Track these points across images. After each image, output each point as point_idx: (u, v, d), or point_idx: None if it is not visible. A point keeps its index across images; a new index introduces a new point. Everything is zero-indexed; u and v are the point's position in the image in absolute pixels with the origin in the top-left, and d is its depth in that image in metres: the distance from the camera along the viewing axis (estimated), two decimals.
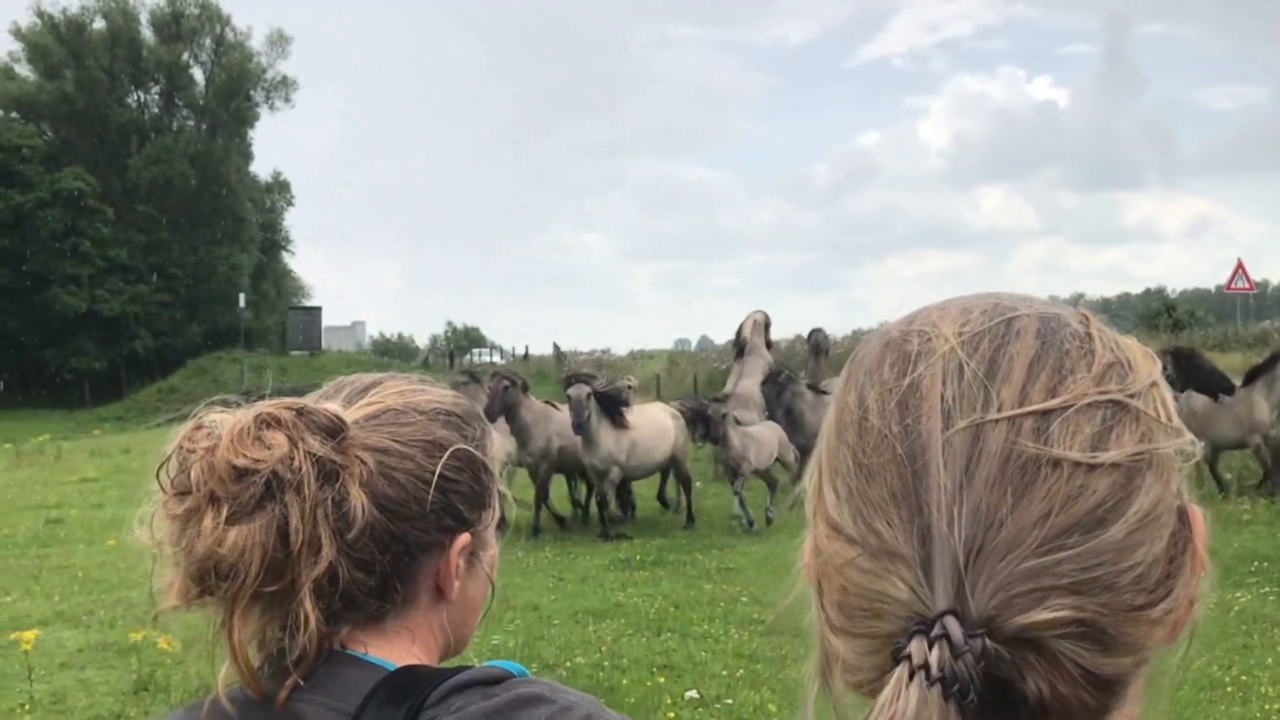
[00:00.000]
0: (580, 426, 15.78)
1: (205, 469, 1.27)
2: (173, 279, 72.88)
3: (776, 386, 19.00)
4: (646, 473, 17.47)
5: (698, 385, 30.99)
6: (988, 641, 0.77)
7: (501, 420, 16.45)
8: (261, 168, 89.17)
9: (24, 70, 75.24)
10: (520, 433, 16.76)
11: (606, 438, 16.14)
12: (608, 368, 46.80)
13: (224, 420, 1.30)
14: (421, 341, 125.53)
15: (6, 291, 67.19)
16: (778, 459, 17.02)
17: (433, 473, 1.38)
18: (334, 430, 1.32)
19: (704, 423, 16.49)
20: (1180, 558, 0.84)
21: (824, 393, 18.72)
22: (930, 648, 0.77)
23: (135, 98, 77.99)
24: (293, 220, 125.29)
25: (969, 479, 0.80)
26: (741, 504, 16.35)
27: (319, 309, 72.01)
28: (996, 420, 0.81)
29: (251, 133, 79.64)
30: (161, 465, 1.30)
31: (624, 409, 16.62)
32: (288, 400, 1.34)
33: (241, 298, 67.69)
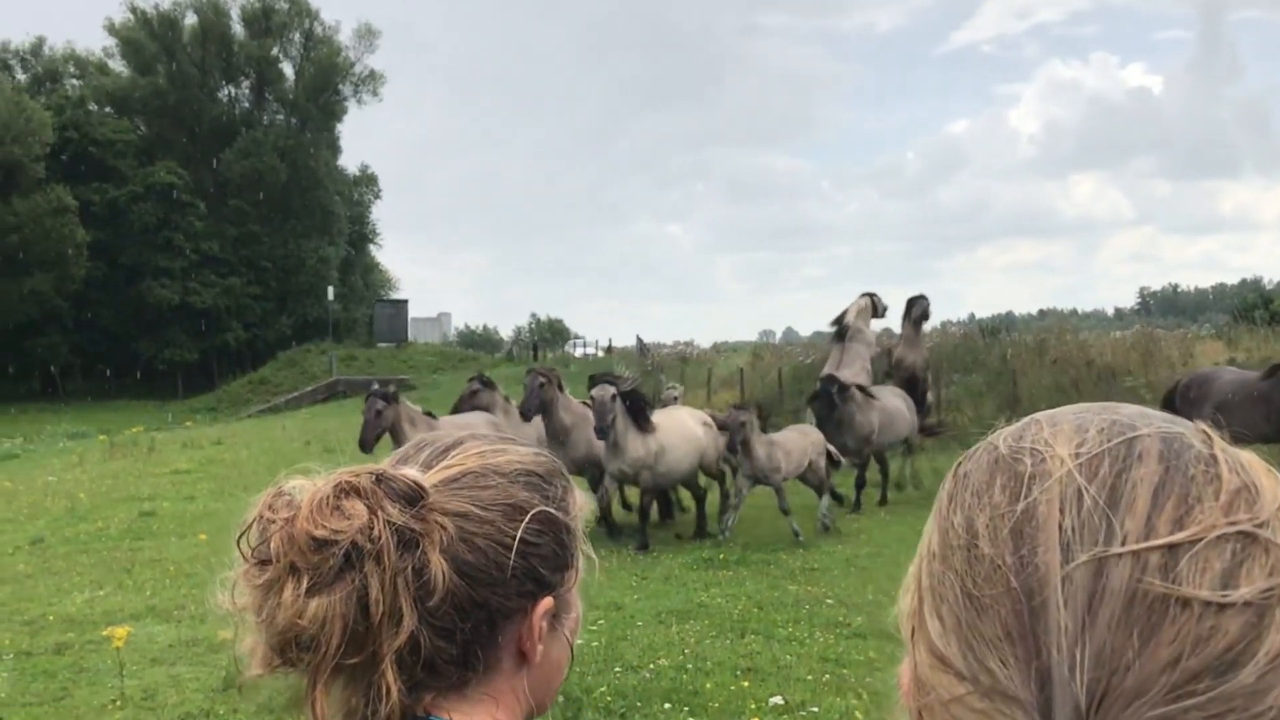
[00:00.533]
0: (603, 430, 14.96)
1: (285, 540, 1.26)
2: (263, 272, 74.03)
3: (826, 399, 17.79)
4: (673, 482, 16.48)
5: (782, 379, 30.81)
6: None
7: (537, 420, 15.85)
8: (349, 161, 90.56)
9: (118, 65, 76.83)
10: (556, 434, 15.95)
11: (634, 443, 15.28)
12: (691, 361, 46.78)
13: (304, 488, 1.30)
14: (506, 333, 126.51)
15: (101, 284, 68.63)
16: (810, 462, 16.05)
17: (514, 537, 1.36)
18: (413, 497, 1.31)
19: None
20: None
21: (873, 396, 18.15)
22: None
23: (226, 92, 79.30)
24: (380, 213, 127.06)
25: (1092, 618, 0.76)
26: (785, 512, 15.32)
27: (405, 301, 72.73)
28: (1120, 554, 0.77)
29: (339, 126, 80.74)
30: (243, 534, 1.30)
31: (648, 411, 15.72)
32: (368, 467, 1.33)
33: (330, 290, 68.58)
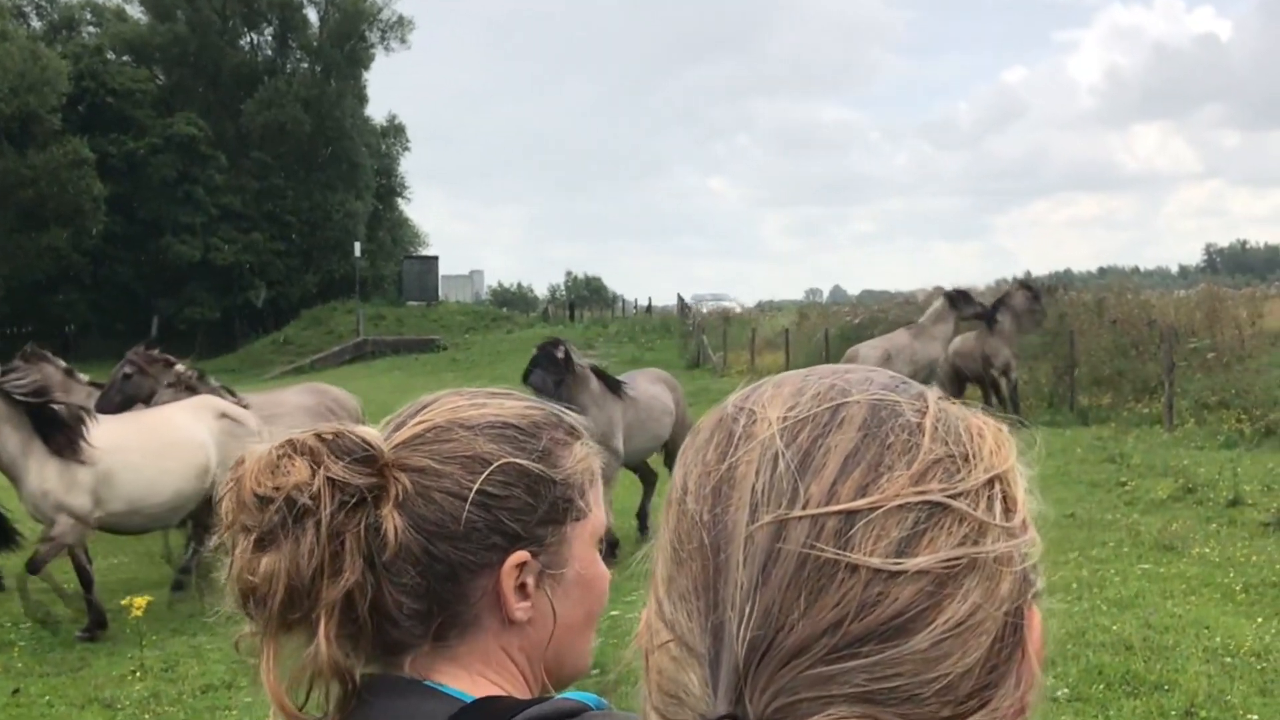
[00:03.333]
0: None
1: (234, 499, 1.35)
2: (286, 227, 74.25)
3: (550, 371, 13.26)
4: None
5: (829, 342, 30.72)
6: None
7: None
8: (376, 111, 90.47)
9: (135, 12, 76.96)
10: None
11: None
12: (734, 322, 46.73)
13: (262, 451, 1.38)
14: (541, 292, 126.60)
15: (119, 239, 68.98)
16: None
17: (470, 488, 1.40)
18: (365, 455, 1.37)
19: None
20: (1004, 666, 0.82)
21: (617, 384, 14.04)
22: None
23: (248, 40, 79.33)
24: (409, 166, 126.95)
25: (765, 578, 0.80)
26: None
27: (435, 258, 72.77)
28: (800, 518, 0.81)
29: (366, 75, 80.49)
30: (221, 498, 1.38)
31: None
32: (323, 427, 1.39)
33: (357, 246, 68.55)
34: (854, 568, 0.79)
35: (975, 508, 0.83)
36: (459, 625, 1.42)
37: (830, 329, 33.28)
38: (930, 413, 0.88)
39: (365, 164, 78.03)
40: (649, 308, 68.90)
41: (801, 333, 37.48)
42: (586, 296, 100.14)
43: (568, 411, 1.55)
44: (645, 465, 14.52)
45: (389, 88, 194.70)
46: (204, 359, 61.27)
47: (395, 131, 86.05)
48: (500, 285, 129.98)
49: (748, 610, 0.80)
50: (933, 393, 0.92)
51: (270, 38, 79.60)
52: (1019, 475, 0.88)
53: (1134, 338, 25.26)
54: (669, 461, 13.69)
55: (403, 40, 79.79)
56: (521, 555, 1.42)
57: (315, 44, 78.25)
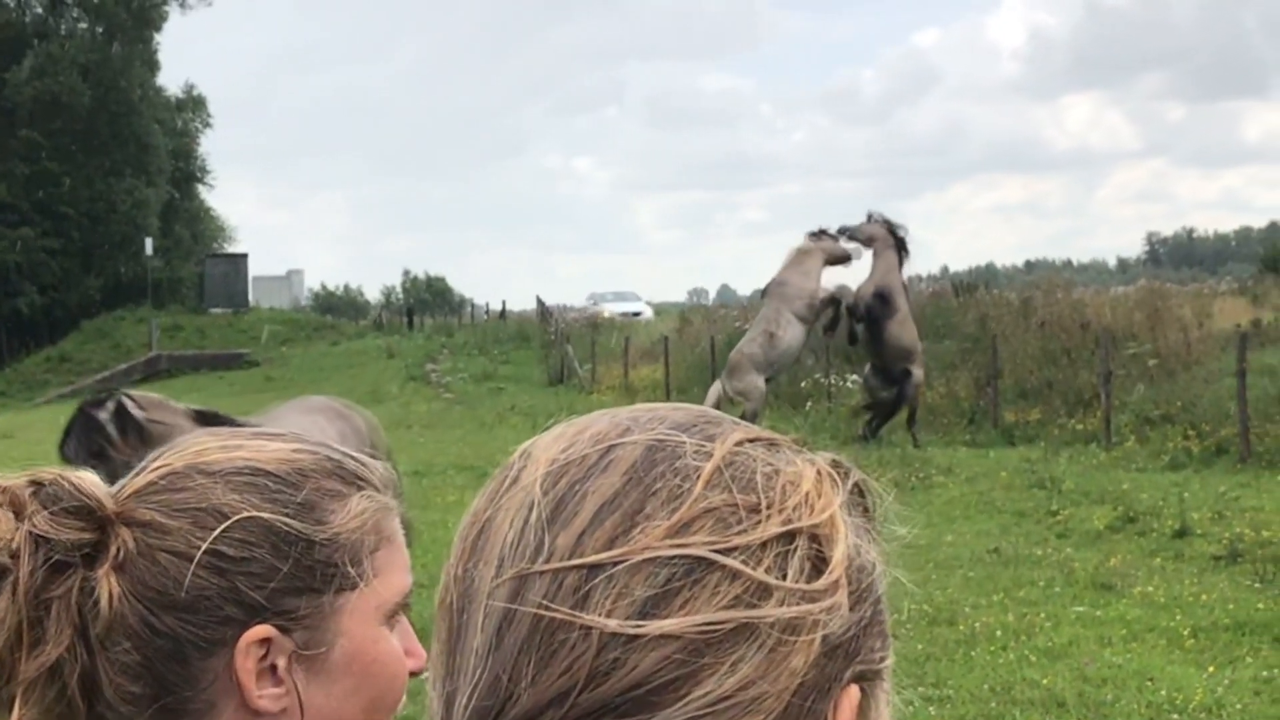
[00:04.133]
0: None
1: None
2: (63, 220, 72.77)
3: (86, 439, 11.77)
4: None
5: (714, 351, 30.84)
6: None
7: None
8: (171, 81, 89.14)
9: None
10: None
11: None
12: (604, 328, 46.79)
13: None
14: (373, 295, 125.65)
15: None
16: None
17: (198, 548, 1.35)
18: (76, 505, 1.33)
19: None
20: None
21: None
22: None
23: None
24: (211, 146, 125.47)
25: (499, 641, 0.81)
26: None
27: (244, 256, 72.17)
28: (542, 573, 0.81)
29: (158, 37, 79.39)
30: None
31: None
32: (40, 472, 1.35)
33: (149, 243, 67.44)
34: (587, 630, 0.79)
35: (755, 565, 0.81)
36: (189, 715, 1.36)
37: (716, 335, 33.39)
38: (718, 455, 0.85)
39: (158, 144, 76.90)
40: (503, 313, 68.73)
41: (683, 341, 37.69)
42: (428, 300, 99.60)
43: (361, 457, 1.49)
44: None
45: (185, 52, 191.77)
46: None
47: (194, 105, 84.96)
48: (324, 288, 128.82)
49: (479, 677, 0.81)
50: (743, 432, 0.89)
51: None
52: (842, 531, 0.85)
53: (1065, 343, 25.79)
54: None
55: None
56: (262, 631, 1.36)
57: (96, 1, 76.99)
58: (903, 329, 23.05)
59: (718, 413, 0.93)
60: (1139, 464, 18.78)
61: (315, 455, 1.46)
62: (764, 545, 0.82)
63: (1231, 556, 12.39)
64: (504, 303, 68.67)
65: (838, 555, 0.84)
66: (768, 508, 0.83)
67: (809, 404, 28.21)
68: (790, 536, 0.83)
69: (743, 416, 17.43)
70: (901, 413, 23.31)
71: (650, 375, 35.54)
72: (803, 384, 29.74)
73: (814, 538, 0.84)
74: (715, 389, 22.71)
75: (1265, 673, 9.09)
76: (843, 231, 23.40)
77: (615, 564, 0.80)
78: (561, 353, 43.02)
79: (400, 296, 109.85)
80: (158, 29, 78.95)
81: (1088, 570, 12.26)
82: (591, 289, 74.89)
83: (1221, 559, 12.44)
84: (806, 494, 0.86)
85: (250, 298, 68.68)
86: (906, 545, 0.92)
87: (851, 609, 0.84)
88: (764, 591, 0.80)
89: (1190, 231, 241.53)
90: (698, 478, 0.83)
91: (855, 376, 26.76)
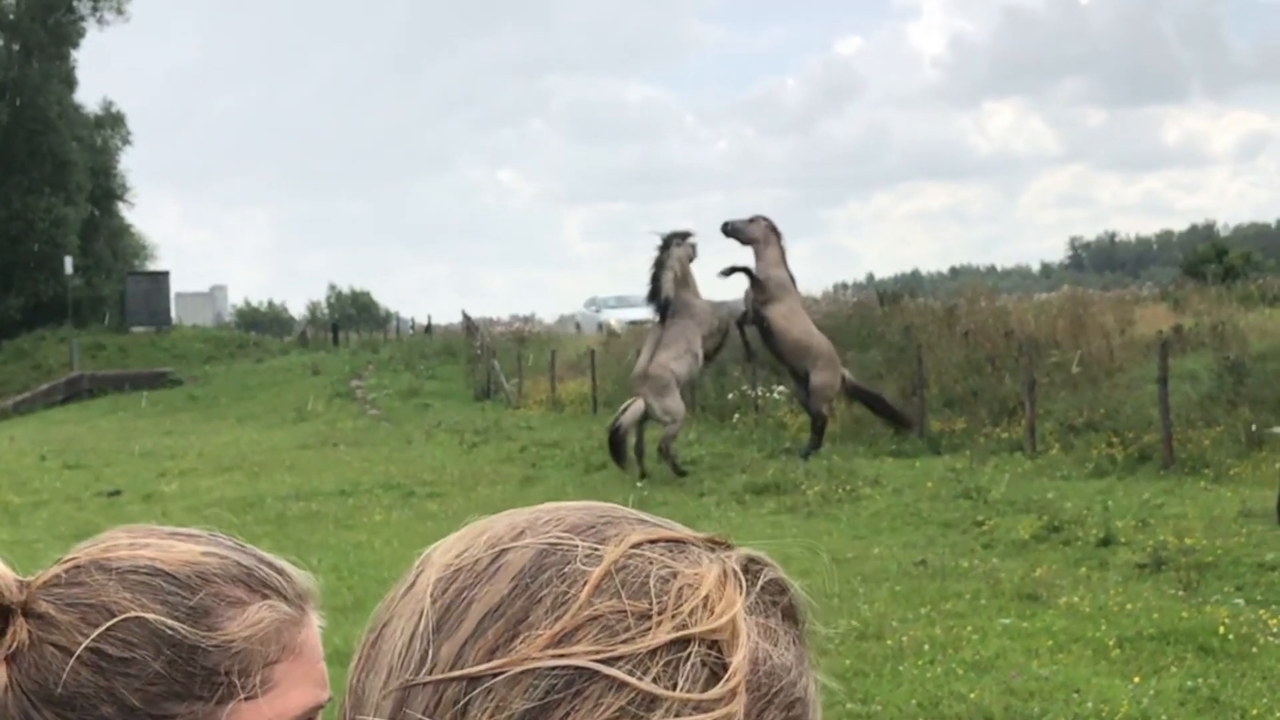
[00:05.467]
0: None
1: None
2: None
3: None
4: None
5: None
6: None
7: None
8: (88, 98, 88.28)
9: None
10: None
11: None
12: (531, 342, 46.72)
13: None
14: (297, 311, 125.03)
15: None
16: None
17: (79, 644, 1.32)
18: None
19: None
20: None
21: None
22: None
23: None
24: (131, 163, 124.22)
25: None
26: None
27: (166, 273, 71.68)
28: (424, 685, 0.79)
29: (75, 54, 78.80)
30: None
31: None
32: None
33: (68, 262, 66.94)
34: None
35: (641, 675, 0.77)
36: None
37: (641, 348, 33.43)
38: (608, 559, 0.82)
39: (76, 161, 76.25)
40: (428, 328, 68.47)
41: (609, 354, 37.64)
42: (353, 315, 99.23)
43: (281, 565, 1.45)
44: None
45: (103, 69, 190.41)
46: None
47: (113, 121, 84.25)
48: (247, 304, 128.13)
49: None
50: (643, 533, 0.85)
51: None
52: (743, 634, 0.81)
53: (990, 351, 25.96)
54: None
55: (119, 11, 78.30)
56: None
57: (11, 16, 76.28)
58: (790, 321, 22.83)
59: (623, 511, 0.89)
60: (1064, 472, 18.92)
61: (223, 560, 1.42)
62: (653, 653, 0.78)
63: (1155, 565, 12.49)
64: (429, 317, 68.48)
65: (737, 660, 0.79)
66: (659, 613, 0.79)
67: (736, 416, 28.16)
68: (684, 643, 0.78)
69: (666, 438, 17.41)
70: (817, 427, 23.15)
71: (577, 389, 35.48)
72: (730, 395, 29.72)
73: (712, 644, 0.79)
74: (638, 406, 22.09)
75: (1190, 682, 9.15)
76: (726, 228, 23.13)
77: (494, 675, 0.77)
78: (488, 367, 42.88)
79: (325, 312, 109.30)
80: (75, 45, 78.31)
81: (1014, 581, 12.33)
82: (592, 294, 72.19)
83: (1145, 567, 12.54)
84: (706, 597, 0.81)
85: (173, 315, 68.32)
86: (835, 559, 0.90)
87: (756, 716, 0.79)
88: (651, 702, 0.76)
89: (1113, 235, 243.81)
90: (584, 584, 0.80)
91: (782, 388, 26.81)
